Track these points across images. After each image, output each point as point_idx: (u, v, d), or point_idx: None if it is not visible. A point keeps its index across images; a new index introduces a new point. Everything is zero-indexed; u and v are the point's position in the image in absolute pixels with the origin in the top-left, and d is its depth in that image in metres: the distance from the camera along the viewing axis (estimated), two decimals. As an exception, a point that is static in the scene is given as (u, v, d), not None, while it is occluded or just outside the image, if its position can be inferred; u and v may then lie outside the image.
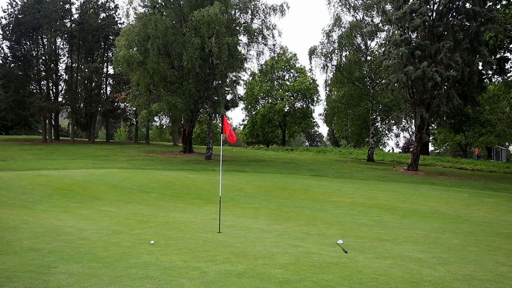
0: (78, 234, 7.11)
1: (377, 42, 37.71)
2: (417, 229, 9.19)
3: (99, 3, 47.31)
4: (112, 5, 48.37)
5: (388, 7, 29.70)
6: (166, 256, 5.62)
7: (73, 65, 47.26)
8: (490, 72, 28.00)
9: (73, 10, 47.17)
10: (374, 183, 20.44)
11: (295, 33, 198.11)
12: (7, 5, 43.97)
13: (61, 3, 44.61)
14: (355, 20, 35.43)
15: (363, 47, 36.23)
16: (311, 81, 57.98)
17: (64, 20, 45.74)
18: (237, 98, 43.41)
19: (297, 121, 59.22)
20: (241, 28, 31.36)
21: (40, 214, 9.47)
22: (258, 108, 60.63)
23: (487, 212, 13.00)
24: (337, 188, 17.17)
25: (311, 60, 36.45)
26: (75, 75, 46.41)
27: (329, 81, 38.65)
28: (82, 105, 46.73)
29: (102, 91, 48.31)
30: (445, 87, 26.50)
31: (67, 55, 47.34)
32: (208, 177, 18.57)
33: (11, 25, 43.65)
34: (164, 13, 30.28)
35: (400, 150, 60.65)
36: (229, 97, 39.51)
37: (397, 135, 47.26)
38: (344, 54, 36.82)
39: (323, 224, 9.47)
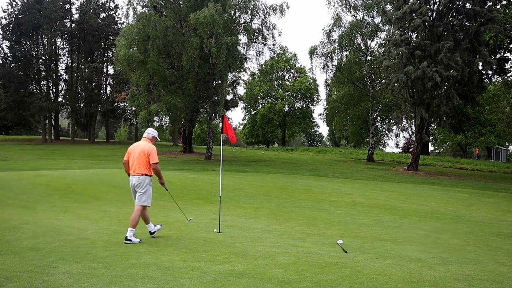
0: (78, 234, 7.11)
1: (377, 42, 37.77)
2: (417, 229, 9.19)
3: (99, 3, 47.30)
4: (112, 5, 48.38)
5: (388, 7, 29.72)
6: (166, 256, 5.62)
7: (73, 65, 47.27)
8: (490, 72, 28.01)
9: (73, 10, 47.22)
10: (374, 183, 20.44)
11: (295, 33, 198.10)
12: (7, 5, 43.99)
13: (61, 3, 44.61)
14: (355, 20, 35.44)
15: (363, 47, 36.24)
16: (311, 81, 57.95)
17: (64, 20, 45.73)
18: (237, 98, 43.39)
19: (297, 121, 59.18)
20: (241, 28, 31.36)
21: (40, 214, 9.47)
22: (258, 108, 60.56)
23: (487, 212, 13.00)
24: (337, 188, 17.17)
25: (312, 59, 36.51)
26: (75, 75, 46.42)
27: (330, 81, 38.67)
28: (82, 105, 46.75)
29: (102, 91, 48.33)
30: (445, 87, 26.51)
31: (67, 55, 47.35)
32: (208, 177, 18.57)
33: (11, 25, 43.65)
34: (164, 13, 30.27)
35: (400, 150, 60.65)
36: (229, 97, 39.52)
37: (397, 135, 47.31)
38: (344, 54, 36.84)
39: (323, 224, 9.47)
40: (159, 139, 7.23)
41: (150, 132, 6.96)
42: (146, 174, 6.68)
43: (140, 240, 6.64)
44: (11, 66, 44.17)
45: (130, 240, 6.51)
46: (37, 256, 5.37)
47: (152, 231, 7.06)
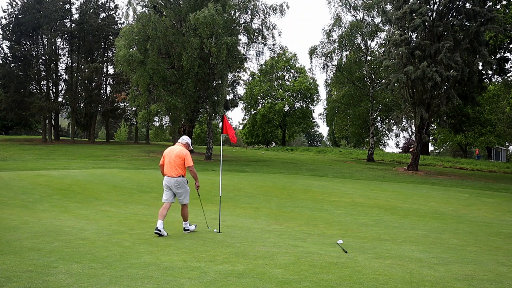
0: (78, 234, 7.11)
1: (377, 42, 37.78)
2: (417, 229, 9.19)
3: (99, 3, 47.28)
4: (112, 5, 48.36)
5: (388, 7, 29.72)
6: (166, 256, 5.62)
7: (73, 65, 47.25)
8: (490, 72, 28.01)
9: (73, 10, 47.20)
10: (374, 183, 20.44)
11: (295, 33, 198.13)
12: (7, 5, 43.97)
13: (61, 3, 44.59)
14: (355, 20, 35.45)
15: (363, 47, 36.23)
16: (311, 81, 57.98)
17: (64, 20, 45.72)
18: (237, 98, 43.38)
19: (297, 121, 59.19)
20: (241, 28, 31.35)
21: (40, 214, 9.48)
22: (258, 108, 60.55)
23: (487, 212, 12.99)
24: (337, 188, 17.16)
25: (312, 59, 36.54)
26: (75, 75, 46.40)
27: (330, 81, 38.69)
28: (82, 105, 46.73)
29: (102, 91, 48.30)
30: (445, 87, 26.51)
31: (67, 55, 47.33)
32: (208, 177, 18.56)
33: (11, 25, 43.63)
34: (164, 13, 30.26)
35: (400, 150, 60.68)
36: (229, 97, 39.50)
37: (397, 135, 47.34)
38: (344, 54, 36.85)
39: (323, 224, 9.47)
40: (192, 147, 8.03)
41: (185, 138, 7.84)
42: (182, 176, 7.55)
43: (196, 226, 7.98)
44: (11, 66, 44.15)
45: (188, 229, 7.72)
46: (37, 256, 5.36)
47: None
